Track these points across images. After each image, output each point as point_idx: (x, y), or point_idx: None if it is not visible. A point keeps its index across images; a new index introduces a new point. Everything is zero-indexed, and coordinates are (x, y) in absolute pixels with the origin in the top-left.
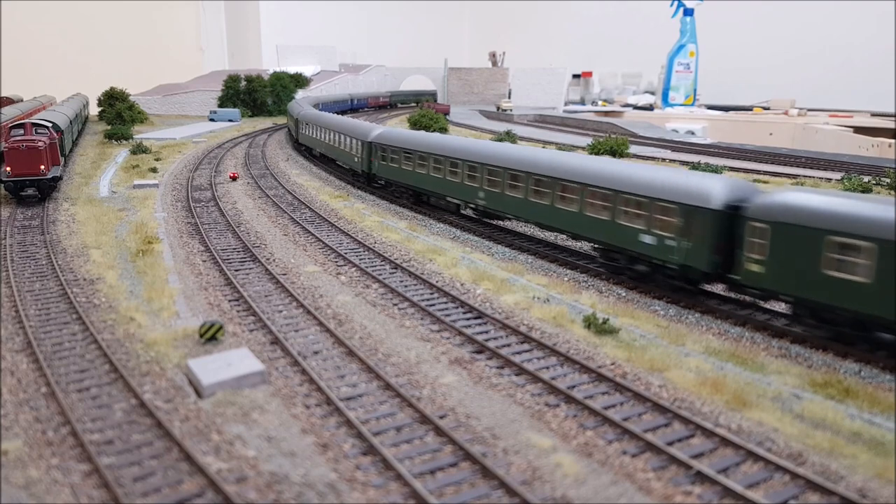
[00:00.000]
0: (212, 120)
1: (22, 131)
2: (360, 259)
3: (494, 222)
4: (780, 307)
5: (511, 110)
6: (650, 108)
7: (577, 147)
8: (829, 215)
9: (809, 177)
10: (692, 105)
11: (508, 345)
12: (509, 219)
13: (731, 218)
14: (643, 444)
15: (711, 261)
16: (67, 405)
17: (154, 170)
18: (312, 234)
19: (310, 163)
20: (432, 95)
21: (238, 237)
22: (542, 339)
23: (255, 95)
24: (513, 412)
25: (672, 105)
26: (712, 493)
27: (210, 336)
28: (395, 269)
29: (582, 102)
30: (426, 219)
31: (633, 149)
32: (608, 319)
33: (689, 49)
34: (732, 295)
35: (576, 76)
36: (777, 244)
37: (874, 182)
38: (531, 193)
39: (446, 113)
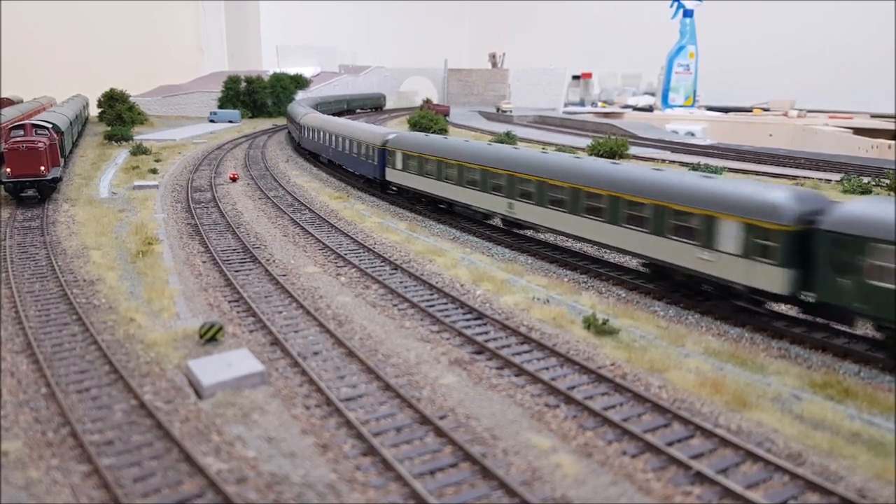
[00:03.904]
0: (212, 121)
1: (22, 132)
2: (360, 260)
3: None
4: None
5: (511, 111)
6: (650, 109)
7: (577, 148)
8: None
9: (809, 178)
10: (692, 106)
11: (508, 345)
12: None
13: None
14: (643, 444)
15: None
16: (67, 406)
17: (154, 171)
18: (312, 235)
19: (310, 164)
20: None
21: (238, 238)
22: (541, 340)
23: (255, 96)
24: (513, 413)
25: (672, 106)
26: (712, 494)
27: (210, 337)
28: (395, 269)
29: (582, 103)
30: (426, 220)
31: (633, 150)
32: (608, 320)
33: (689, 50)
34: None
35: (575, 77)
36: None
37: (874, 183)
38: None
39: (446, 114)
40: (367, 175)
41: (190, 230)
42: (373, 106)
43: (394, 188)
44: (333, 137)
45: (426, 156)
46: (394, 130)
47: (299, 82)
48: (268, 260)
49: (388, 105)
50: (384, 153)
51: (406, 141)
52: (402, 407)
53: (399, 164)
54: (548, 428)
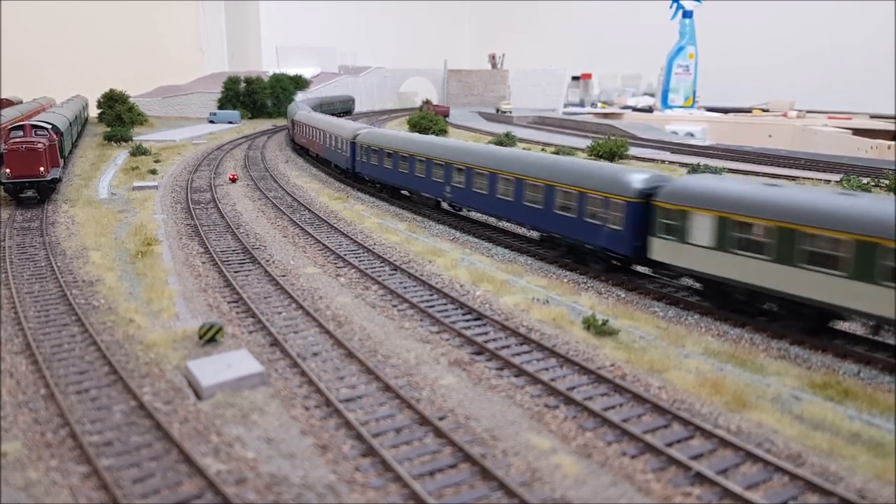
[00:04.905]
0: (211, 122)
1: (21, 133)
2: (360, 261)
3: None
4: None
5: (510, 112)
6: (649, 109)
7: (577, 149)
8: None
9: (808, 178)
10: (691, 107)
11: (508, 346)
12: None
13: None
14: (643, 445)
15: None
16: (67, 407)
17: (153, 171)
18: (312, 236)
19: (309, 165)
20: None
21: (237, 239)
22: (541, 341)
23: (255, 97)
24: (512, 413)
25: (671, 107)
26: (711, 494)
27: (209, 337)
28: (395, 270)
29: (581, 104)
30: (426, 220)
31: (633, 150)
32: (607, 321)
33: (689, 51)
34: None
35: (575, 78)
36: None
37: (873, 184)
38: None
39: (446, 115)
40: (596, 245)
41: (189, 231)
42: (342, 110)
43: (680, 272)
44: (488, 180)
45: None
46: (649, 173)
47: (299, 83)
48: (267, 261)
49: (388, 106)
50: (646, 212)
51: (710, 194)
52: (402, 408)
53: (700, 237)
54: (547, 429)
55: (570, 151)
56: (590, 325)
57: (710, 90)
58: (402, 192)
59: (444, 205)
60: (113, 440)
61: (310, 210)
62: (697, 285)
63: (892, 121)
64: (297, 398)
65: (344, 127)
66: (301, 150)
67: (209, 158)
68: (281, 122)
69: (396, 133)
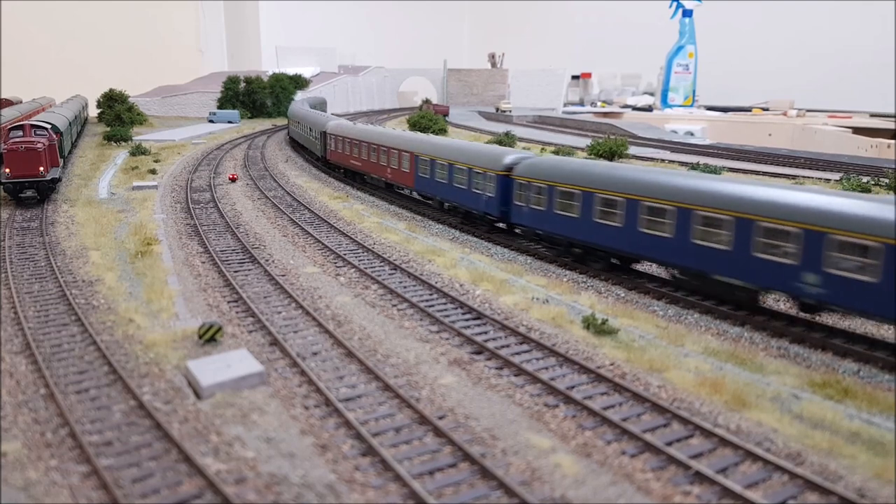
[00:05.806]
0: (211, 121)
1: (21, 133)
2: (360, 260)
3: None
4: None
5: (510, 111)
6: (649, 109)
7: (577, 148)
8: None
9: (808, 177)
10: (691, 106)
11: (507, 345)
12: None
13: None
14: (642, 444)
15: None
16: (66, 406)
17: (153, 171)
18: (311, 236)
19: (309, 164)
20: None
21: (237, 238)
22: (541, 340)
23: (255, 97)
24: (512, 413)
25: (671, 106)
26: (711, 493)
27: (209, 337)
28: (395, 269)
29: (581, 103)
30: (425, 220)
31: (633, 150)
32: (607, 320)
33: (688, 50)
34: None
35: (575, 77)
36: None
37: (873, 183)
38: None
39: (445, 114)
40: None
41: (189, 230)
42: None
43: None
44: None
45: None
46: None
47: (298, 83)
48: (267, 260)
49: (387, 105)
50: None
51: None
52: (402, 407)
53: None
54: (547, 428)
55: (570, 151)
56: (589, 324)
57: (709, 89)
58: (613, 259)
59: (768, 299)
60: (113, 440)
61: (309, 209)
62: None
63: (892, 119)
64: (297, 398)
65: (480, 153)
66: (296, 146)
67: (209, 158)
68: (281, 121)
69: (628, 169)
